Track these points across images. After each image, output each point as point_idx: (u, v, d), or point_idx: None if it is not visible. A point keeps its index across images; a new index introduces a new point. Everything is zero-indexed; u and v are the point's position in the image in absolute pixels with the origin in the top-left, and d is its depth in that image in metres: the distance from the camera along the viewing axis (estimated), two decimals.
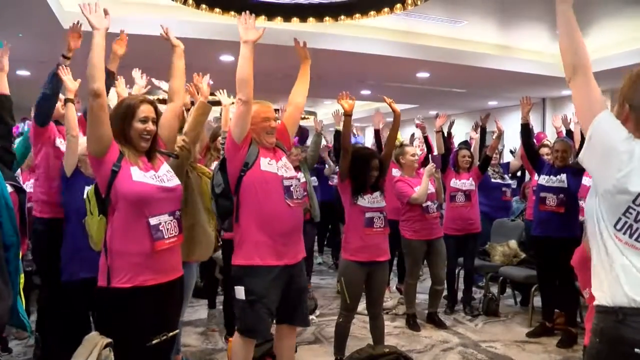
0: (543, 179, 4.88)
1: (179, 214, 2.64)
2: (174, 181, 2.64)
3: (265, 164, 3.04)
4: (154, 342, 2.46)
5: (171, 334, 2.58)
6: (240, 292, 2.97)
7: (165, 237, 2.50)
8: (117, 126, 2.53)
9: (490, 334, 5.05)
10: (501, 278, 5.74)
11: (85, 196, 2.72)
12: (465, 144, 9.07)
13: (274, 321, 3.21)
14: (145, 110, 2.57)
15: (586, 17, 6.26)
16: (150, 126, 2.58)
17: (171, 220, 2.55)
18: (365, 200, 3.92)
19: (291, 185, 3.08)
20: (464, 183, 5.57)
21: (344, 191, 3.99)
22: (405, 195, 4.94)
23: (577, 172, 4.73)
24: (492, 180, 6.51)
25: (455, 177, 5.60)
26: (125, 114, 2.55)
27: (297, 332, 4.84)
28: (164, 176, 2.61)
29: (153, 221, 2.47)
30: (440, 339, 4.88)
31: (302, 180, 5.85)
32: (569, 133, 5.74)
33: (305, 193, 3.16)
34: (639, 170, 1.60)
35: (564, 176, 4.75)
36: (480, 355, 4.51)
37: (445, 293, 5.57)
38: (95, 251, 2.59)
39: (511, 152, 8.60)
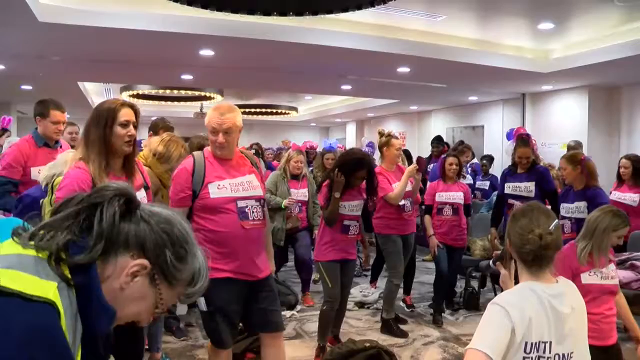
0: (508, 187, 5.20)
1: None
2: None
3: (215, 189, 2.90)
4: None
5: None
6: (201, 303, 2.90)
7: None
8: (96, 133, 2.44)
9: (471, 327, 5.07)
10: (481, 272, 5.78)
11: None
12: (439, 140, 9.07)
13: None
14: (126, 113, 2.48)
15: (564, 13, 6.30)
16: (132, 130, 2.50)
17: None
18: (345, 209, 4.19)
19: (246, 207, 2.94)
20: (451, 195, 5.34)
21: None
22: (382, 190, 4.70)
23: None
24: None
25: (443, 189, 5.36)
26: (105, 118, 2.44)
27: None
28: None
29: None
30: (421, 333, 4.90)
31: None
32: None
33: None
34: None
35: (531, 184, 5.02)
36: (460, 348, 4.53)
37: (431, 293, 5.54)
38: None
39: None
